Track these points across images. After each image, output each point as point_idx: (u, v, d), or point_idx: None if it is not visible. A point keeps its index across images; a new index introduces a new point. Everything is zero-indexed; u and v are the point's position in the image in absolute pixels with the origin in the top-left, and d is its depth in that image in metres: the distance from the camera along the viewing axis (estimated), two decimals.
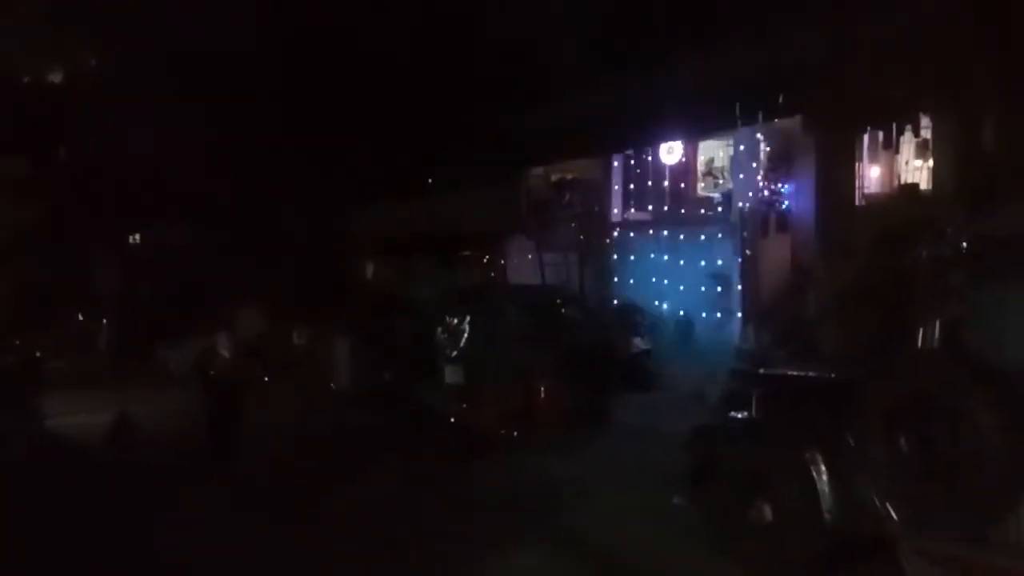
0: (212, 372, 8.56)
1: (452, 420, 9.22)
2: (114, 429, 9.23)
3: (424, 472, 8.15)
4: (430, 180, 18.36)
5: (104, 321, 19.62)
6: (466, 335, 9.71)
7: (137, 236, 22.19)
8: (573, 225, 16.13)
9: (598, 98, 13.95)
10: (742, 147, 14.01)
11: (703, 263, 14.56)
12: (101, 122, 18.01)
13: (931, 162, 12.02)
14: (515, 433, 9.10)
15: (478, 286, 14.50)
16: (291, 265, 17.74)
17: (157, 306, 18.01)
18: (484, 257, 17.13)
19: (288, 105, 17.58)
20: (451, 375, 9.49)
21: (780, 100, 11.32)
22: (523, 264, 15.98)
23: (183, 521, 6.65)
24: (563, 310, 11.99)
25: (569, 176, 16.90)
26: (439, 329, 10.01)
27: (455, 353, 9.66)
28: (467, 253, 17.19)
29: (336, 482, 7.79)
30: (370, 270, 18.98)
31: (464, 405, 9.20)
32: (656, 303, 14.96)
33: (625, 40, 13.48)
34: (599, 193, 16.69)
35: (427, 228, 16.20)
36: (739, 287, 13.71)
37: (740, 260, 13.71)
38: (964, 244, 4.04)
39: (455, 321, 9.90)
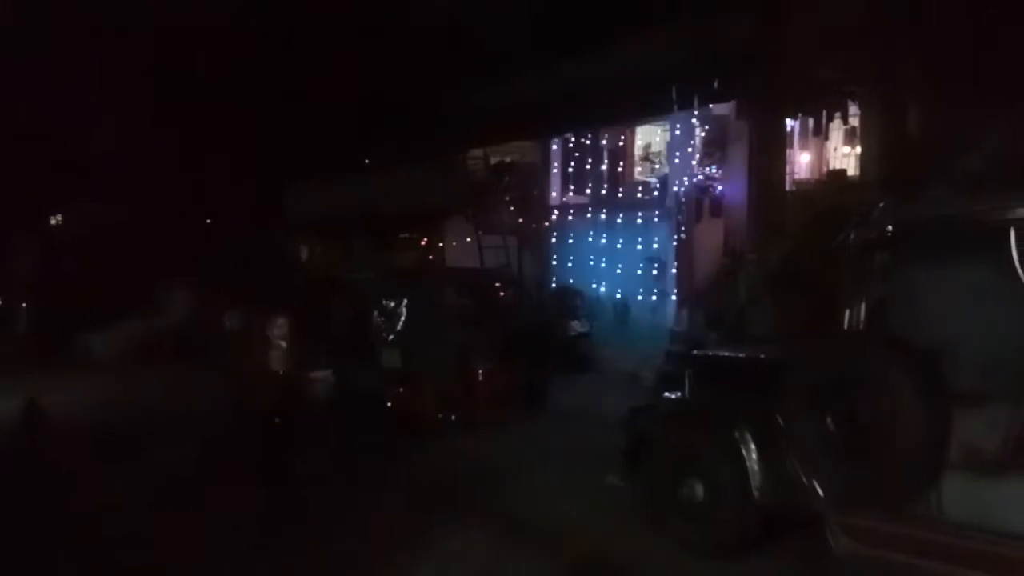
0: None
1: (389, 404, 9.12)
2: (23, 417, 8.77)
3: (359, 456, 8.04)
4: (367, 161, 18.05)
5: (24, 304, 18.77)
6: (403, 318, 9.60)
7: (59, 216, 21.25)
8: (512, 208, 16.13)
9: (536, 81, 13.93)
10: (678, 132, 14.22)
11: (640, 246, 14.76)
12: (10, 92, 17.04)
13: (858, 148, 12.41)
14: (452, 416, 9.07)
15: (416, 269, 14.36)
16: (222, 247, 17.24)
17: (80, 289, 17.27)
18: (422, 239, 17.00)
19: (220, 80, 17.00)
20: (388, 359, 9.38)
21: (715, 86, 11.48)
22: (462, 247, 15.92)
23: (87, 514, 6.39)
24: (501, 293, 11.98)
25: (508, 159, 16.89)
26: (375, 312, 9.88)
27: (392, 336, 9.55)
28: (405, 235, 17.02)
29: (268, 467, 7.61)
30: (305, 252, 18.61)
31: (401, 389, 9.10)
32: (593, 286, 15.12)
33: (563, 23, 13.45)
34: (538, 176, 16.74)
35: (365, 209, 15.97)
36: (674, 270, 13.95)
37: (675, 243, 13.94)
38: (888, 228, 4.15)
39: (392, 304, 9.78)
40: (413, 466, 7.78)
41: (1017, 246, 3.69)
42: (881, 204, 4.30)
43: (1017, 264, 3.68)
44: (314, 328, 11.24)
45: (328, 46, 16.54)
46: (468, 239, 15.69)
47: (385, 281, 11.19)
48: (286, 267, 17.19)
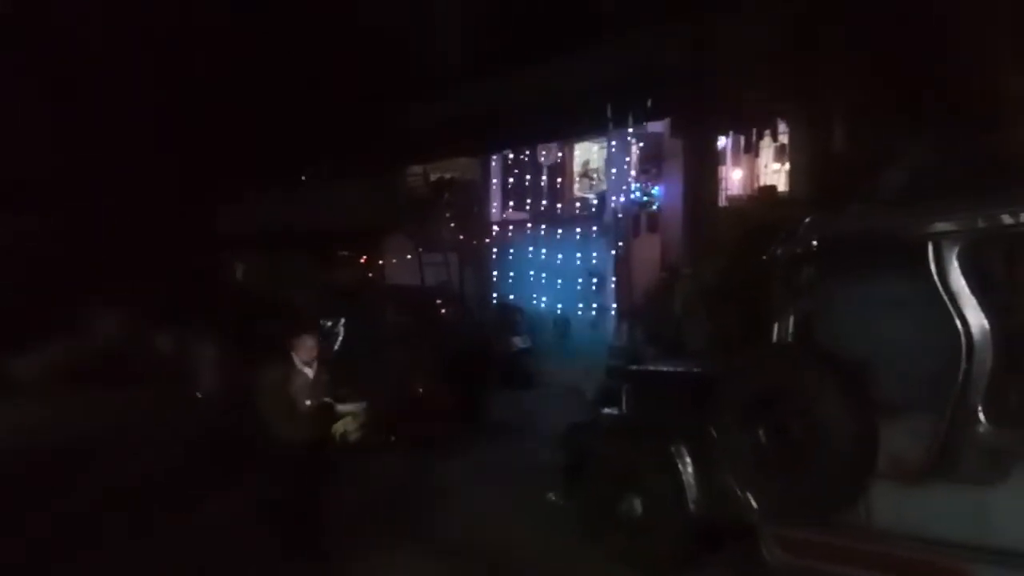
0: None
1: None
2: None
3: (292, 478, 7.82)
4: (304, 177, 17.78)
5: None
6: (340, 337, 9.43)
7: None
8: (452, 225, 16.08)
9: (473, 98, 13.96)
10: (615, 149, 14.40)
11: (579, 262, 14.86)
12: None
13: (788, 165, 12.76)
14: (392, 437, 8.92)
15: (353, 286, 14.17)
16: (152, 264, 16.69)
17: None
18: (361, 257, 16.78)
19: (151, 90, 16.54)
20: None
21: (648, 104, 11.68)
22: (402, 264, 15.78)
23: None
24: (442, 310, 11.91)
25: (448, 175, 16.83)
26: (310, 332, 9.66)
27: (329, 357, 9.36)
28: (344, 252, 16.78)
29: (200, 494, 7.36)
30: (240, 270, 18.17)
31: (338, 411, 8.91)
32: (534, 302, 15.14)
33: (500, 41, 13.55)
34: (478, 193, 16.74)
35: (301, 226, 15.70)
36: (613, 285, 14.09)
37: (613, 259, 14.08)
38: (812, 242, 4.25)
39: (328, 323, 9.60)
40: (347, 489, 7.59)
41: (935, 259, 3.82)
42: (806, 219, 4.40)
43: (936, 277, 3.80)
44: (248, 350, 10.99)
45: (265, 57, 16.30)
46: (408, 256, 15.57)
47: (322, 299, 11.00)
48: (219, 286, 16.74)
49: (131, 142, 16.67)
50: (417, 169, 16.76)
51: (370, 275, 16.14)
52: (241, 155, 16.71)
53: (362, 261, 16.70)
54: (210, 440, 9.35)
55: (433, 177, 16.73)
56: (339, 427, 5.77)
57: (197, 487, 7.50)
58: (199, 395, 11.83)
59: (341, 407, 5.86)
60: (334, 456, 5.96)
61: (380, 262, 16.45)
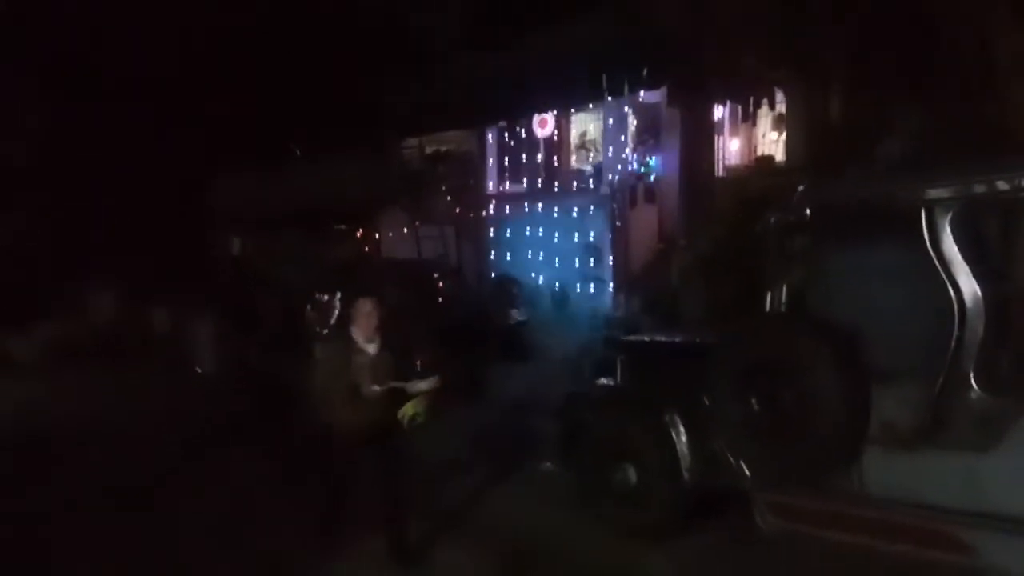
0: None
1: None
2: None
3: (295, 453, 7.88)
4: (299, 151, 17.67)
5: None
6: (337, 312, 9.45)
7: None
8: (448, 198, 16.02)
9: (469, 70, 13.84)
10: (612, 120, 14.31)
11: (577, 234, 14.82)
12: None
13: (785, 134, 12.70)
14: None
15: (350, 261, 14.15)
16: (150, 243, 16.65)
17: None
18: (358, 231, 16.74)
19: (146, 67, 16.38)
20: (322, 354, 9.21)
21: (644, 73, 11.59)
22: (399, 238, 15.75)
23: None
24: (439, 283, 11.91)
25: (444, 149, 16.74)
26: (308, 307, 9.69)
27: (326, 331, 9.39)
28: (341, 227, 16.74)
29: (202, 469, 7.41)
30: (236, 246, 18.14)
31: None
32: (532, 274, 15.13)
33: (494, 10, 13.40)
34: (474, 166, 16.64)
35: (297, 201, 15.64)
36: (610, 257, 14.08)
37: (611, 231, 14.05)
38: (806, 211, 4.24)
39: (325, 298, 9.61)
40: (347, 463, 7.63)
41: (928, 226, 3.81)
42: (800, 188, 4.39)
43: (928, 244, 3.80)
44: (246, 326, 11.02)
45: (259, 33, 16.13)
46: (404, 230, 15.53)
47: (318, 274, 10.99)
48: (216, 263, 16.73)
49: (126, 120, 16.56)
50: (413, 142, 16.66)
51: (367, 249, 16.12)
52: (236, 131, 16.61)
53: (358, 235, 16.67)
54: (209, 416, 9.44)
55: (429, 150, 16.65)
56: (407, 409, 4.84)
57: (195, 464, 7.56)
58: (198, 371, 11.89)
59: (409, 386, 4.93)
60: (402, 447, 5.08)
61: (376, 236, 16.42)
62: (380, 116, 15.56)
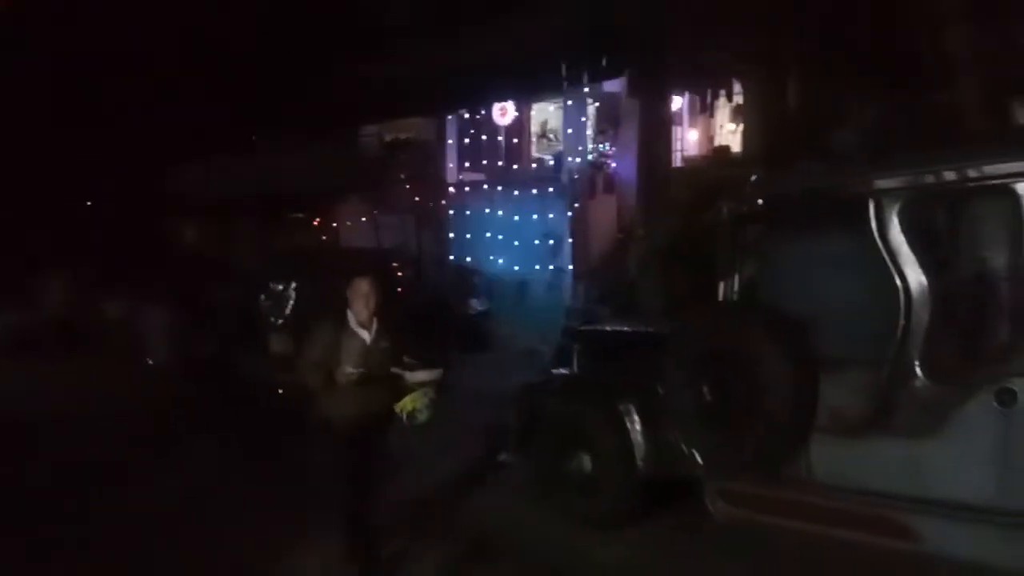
0: None
1: (280, 392, 8.83)
2: None
3: (249, 446, 7.76)
4: (256, 138, 17.36)
5: None
6: (292, 301, 9.30)
7: None
8: (408, 186, 15.88)
9: (428, 57, 13.70)
10: (572, 110, 14.31)
11: (536, 223, 14.82)
12: None
13: (742, 125, 12.83)
14: None
15: (306, 249, 13.96)
16: (101, 230, 16.23)
17: None
18: (315, 219, 16.53)
19: (93, 54, 15.91)
20: (277, 344, 9.07)
21: (603, 63, 11.60)
22: (357, 226, 15.58)
23: None
24: (399, 273, 11.80)
25: (403, 137, 16.59)
26: (262, 296, 9.53)
27: (281, 321, 9.24)
28: (297, 215, 16.50)
29: (153, 460, 7.25)
30: (191, 234, 17.79)
31: (292, 375, 8.81)
32: (492, 263, 15.10)
33: None
34: (434, 154, 16.52)
35: (253, 189, 15.37)
36: (570, 247, 14.11)
37: (570, 220, 14.08)
38: (758, 201, 4.26)
39: (280, 287, 9.45)
40: (304, 455, 7.54)
41: (876, 216, 3.85)
42: (752, 178, 4.40)
43: (876, 234, 3.84)
44: (199, 315, 10.81)
45: (214, 18, 15.76)
46: (363, 218, 15.37)
47: (274, 263, 10.81)
48: (170, 251, 16.38)
49: (77, 107, 16.10)
50: (371, 130, 16.47)
51: (324, 238, 15.92)
52: (190, 117, 16.24)
53: (315, 224, 16.46)
54: (160, 407, 9.25)
55: (388, 138, 16.48)
56: (406, 403, 4.30)
57: (146, 455, 7.39)
58: (150, 362, 11.65)
59: (410, 375, 4.38)
60: (392, 444, 4.62)
61: (334, 225, 16.22)
62: (337, 103, 15.34)
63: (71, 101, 15.96)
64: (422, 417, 4.38)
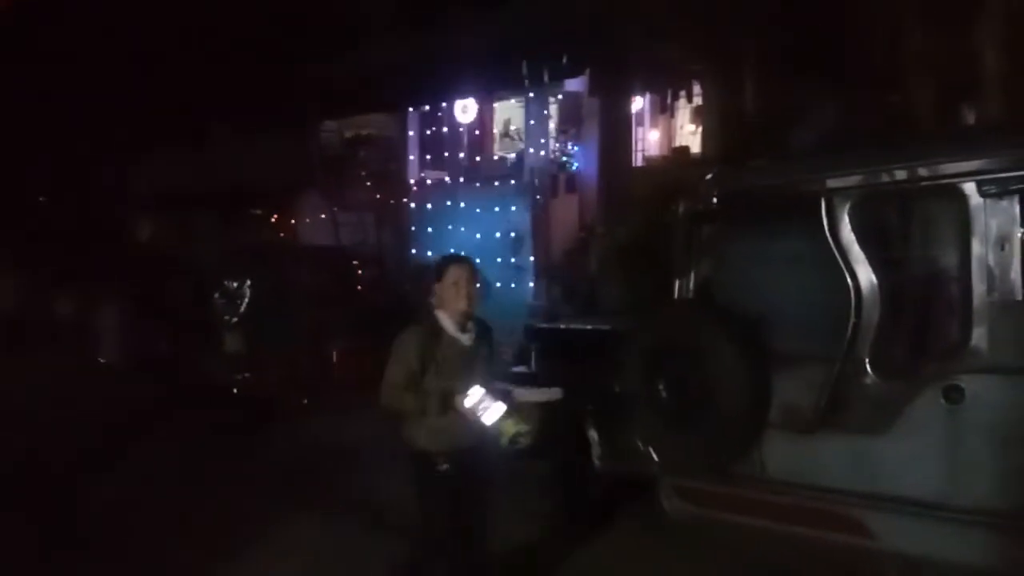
0: None
1: (235, 391, 8.69)
2: None
3: (203, 447, 7.61)
4: (212, 132, 17.02)
5: None
6: (247, 299, 9.14)
7: None
8: (369, 183, 15.74)
9: (388, 53, 13.59)
10: (534, 108, 14.30)
11: (498, 221, 14.79)
12: None
13: (702, 126, 12.94)
14: (305, 401, 8.76)
15: (262, 246, 13.74)
16: (50, 226, 15.80)
17: None
18: (273, 216, 16.28)
19: (45, 42, 15.46)
20: (231, 343, 8.92)
21: (564, 61, 11.62)
22: (316, 223, 15.39)
23: None
24: (358, 271, 11.69)
25: (364, 133, 16.43)
26: (216, 294, 9.35)
27: (235, 319, 9.08)
28: (255, 211, 16.24)
29: (105, 462, 7.07)
30: (145, 230, 17.40)
31: (247, 374, 8.68)
32: None
33: None
34: (395, 151, 16.40)
35: (209, 184, 15.08)
36: (532, 245, 14.11)
37: (533, 219, 14.07)
38: (713, 199, 4.28)
39: (235, 284, 9.29)
40: (257, 456, 7.43)
41: (828, 215, 3.88)
42: (707, 176, 4.42)
43: (827, 233, 3.87)
44: (152, 313, 10.58)
45: (170, 9, 15.41)
46: (323, 215, 15.18)
47: (229, 260, 10.61)
48: (122, 247, 16.00)
49: (26, 98, 15.62)
50: (331, 126, 16.28)
51: (282, 235, 15.69)
52: (145, 110, 15.88)
53: (273, 220, 16.21)
54: (112, 406, 9.03)
55: (348, 134, 16.31)
56: (508, 427, 3.40)
57: (96, 454, 7.20)
58: (102, 361, 11.38)
59: (524, 394, 3.64)
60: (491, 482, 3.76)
61: (293, 221, 16.00)
62: (296, 98, 15.12)
63: (18, 91, 15.48)
64: (525, 442, 3.52)
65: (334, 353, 9.39)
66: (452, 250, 14.81)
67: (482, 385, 3.36)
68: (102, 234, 15.93)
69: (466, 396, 3.33)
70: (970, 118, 8.11)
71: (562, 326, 6.18)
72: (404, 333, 3.55)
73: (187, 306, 9.86)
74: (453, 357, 3.48)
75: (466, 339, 3.53)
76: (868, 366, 3.77)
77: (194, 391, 9.03)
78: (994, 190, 3.42)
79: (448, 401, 3.37)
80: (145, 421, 8.53)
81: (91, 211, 16.29)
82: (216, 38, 15.23)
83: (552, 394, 4.01)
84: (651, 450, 4.43)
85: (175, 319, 9.85)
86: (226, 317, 9.16)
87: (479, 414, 3.32)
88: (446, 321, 3.52)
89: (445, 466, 3.51)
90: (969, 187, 3.50)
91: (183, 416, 8.56)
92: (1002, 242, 3.39)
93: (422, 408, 3.44)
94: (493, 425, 3.35)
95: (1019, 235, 3.37)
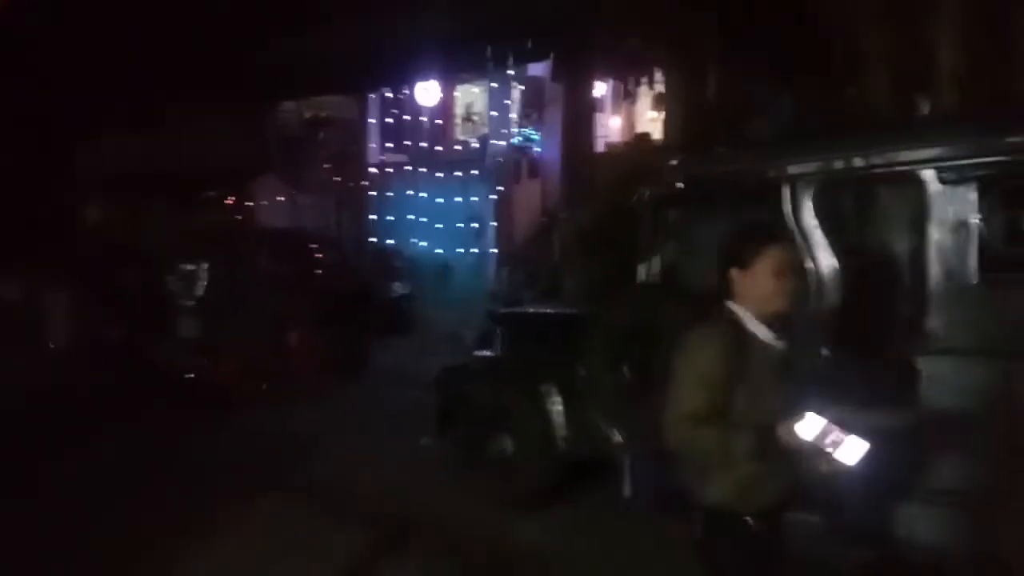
0: None
1: (190, 377, 8.51)
2: None
3: (157, 435, 7.45)
4: (165, 111, 16.58)
5: None
6: (204, 283, 8.95)
7: None
8: (328, 166, 15.53)
9: (346, 32, 13.38)
10: (497, 93, 14.25)
11: (460, 206, 14.74)
12: None
13: (664, 113, 13.03)
14: (264, 386, 8.63)
15: (218, 229, 13.49)
16: None
17: None
18: (230, 198, 15.98)
19: None
20: (186, 328, 8.73)
21: (528, 45, 11.58)
22: (274, 206, 15.15)
23: None
24: (317, 254, 11.54)
25: (324, 114, 16.19)
26: (171, 277, 9.14)
27: (191, 303, 8.89)
28: (212, 193, 15.91)
29: (55, 451, 6.87)
30: (96, 211, 16.93)
31: (204, 360, 8.51)
32: (415, 246, 14.94)
33: None
34: (355, 133, 16.20)
35: (164, 165, 14.72)
36: (494, 230, 14.10)
37: (494, 203, 14.06)
38: (676, 184, 4.30)
39: (191, 268, 9.09)
40: (213, 444, 7.29)
41: (790, 201, 3.93)
42: (672, 162, 4.44)
43: (789, 218, 3.92)
44: (104, 297, 10.31)
45: None
46: (280, 198, 14.96)
47: (184, 243, 10.38)
48: (72, 230, 15.55)
49: None
50: (290, 106, 16.01)
51: (238, 217, 15.41)
52: (95, 88, 15.37)
53: (229, 203, 15.91)
54: (63, 393, 8.79)
55: (307, 115, 16.06)
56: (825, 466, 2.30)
57: (43, 444, 7.00)
58: (51, 346, 11.07)
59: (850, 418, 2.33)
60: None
61: (250, 204, 15.72)
62: (255, 77, 14.80)
63: None
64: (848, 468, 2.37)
65: (293, 338, 9.26)
66: (413, 234, 14.88)
67: (814, 410, 2.27)
68: (51, 215, 15.45)
69: (800, 427, 2.25)
70: (925, 109, 8.29)
71: (527, 310, 6.18)
72: (697, 338, 2.49)
73: (140, 290, 9.63)
74: (766, 372, 2.41)
75: (780, 345, 2.47)
76: (826, 349, 3.83)
77: (148, 377, 8.84)
78: (952, 177, 3.49)
79: (770, 437, 2.29)
80: (96, 408, 8.32)
81: (40, 191, 15.76)
82: (169, 15, 14.80)
83: (903, 416, 3.03)
84: (613, 432, 4.46)
85: (128, 303, 9.61)
86: (181, 301, 8.96)
87: (825, 453, 2.24)
88: (752, 321, 2.44)
89: (755, 527, 2.42)
90: (927, 174, 3.57)
91: (136, 403, 8.36)
92: (959, 228, 3.47)
93: (730, 449, 2.34)
94: (839, 465, 2.25)
95: (975, 221, 3.45)
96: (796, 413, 2.26)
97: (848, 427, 2.25)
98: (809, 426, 2.26)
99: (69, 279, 11.10)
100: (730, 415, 2.38)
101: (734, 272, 2.51)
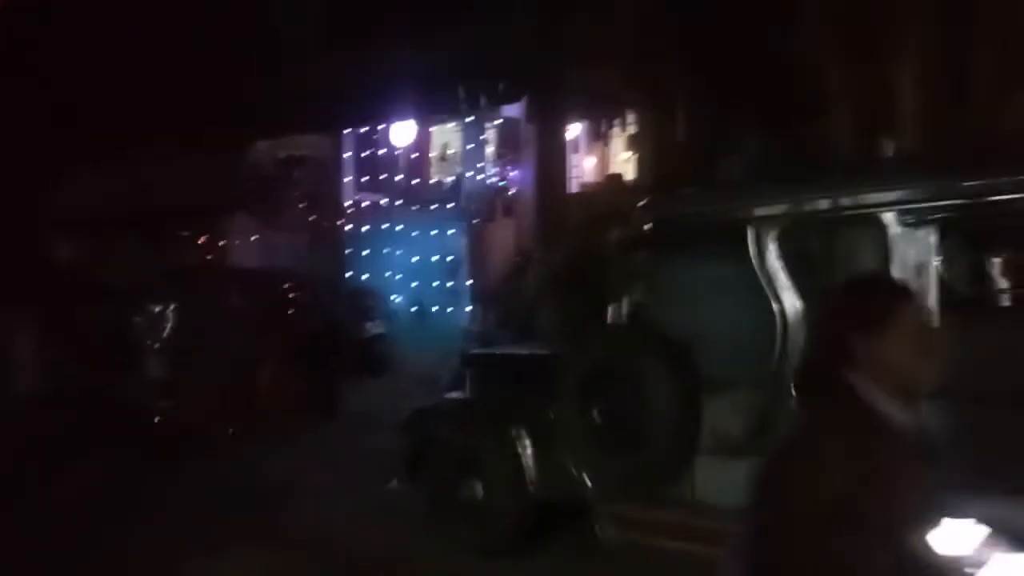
0: None
1: (157, 420, 8.33)
2: None
3: (124, 480, 7.26)
4: (138, 149, 16.48)
5: None
6: (172, 323, 8.82)
7: None
8: (302, 205, 15.49)
9: (322, 72, 13.47)
10: (472, 133, 14.39)
11: (435, 246, 14.75)
12: None
13: (636, 153, 13.21)
14: (231, 430, 8.46)
15: (188, 268, 13.34)
16: None
17: None
18: (201, 237, 15.83)
19: None
20: (154, 368, 8.58)
21: (500, 88, 11.72)
22: (248, 245, 15.04)
23: None
24: (291, 294, 11.45)
25: (298, 153, 16.18)
26: (138, 318, 9.00)
27: (158, 344, 8.75)
28: (184, 232, 15.76)
29: (18, 496, 6.67)
30: (63, 251, 16.68)
31: (170, 402, 8.35)
32: (389, 286, 14.88)
33: (350, 16, 13.11)
34: (330, 173, 16.21)
35: (133, 203, 14.58)
36: (469, 270, 14.11)
37: (469, 243, 14.09)
38: (645, 225, 4.33)
39: (159, 308, 8.96)
40: (181, 489, 7.12)
41: (754, 242, 3.97)
42: (640, 203, 4.48)
43: (754, 259, 3.95)
44: (70, 338, 10.11)
45: (97, 24, 14.92)
46: (254, 237, 14.86)
47: (153, 282, 10.25)
48: (38, 268, 15.30)
49: None
50: (264, 145, 15.98)
51: (209, 257, 15.26)
52: (66, 124, 15.27)
53: (201, 242, 15.76)
54: (27, 436, 8.56)
55: (282, 154, 16.04)
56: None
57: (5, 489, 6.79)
58: (19, 387, 10.81)
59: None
60: None
61: (222, 243, 15.58)
62: (228, 115, 14.79)
63: None
64: None
65: (263, 379, 9.14)
66: (387, 274, 14.85)
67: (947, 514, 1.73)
68: (16, 253, 15.20)
69: (940, 537, 1.72)
70: (889, 150, 8.46)
71: (497, 352, 6.14)
72: (816, 445, 1.76)
73: (107, 331, 9.46)
74: (903, 471, 1.77)
75: (915, 427, 1.87)
76: (794, 390, 3.84)
77: (114, 420, 8.63)
78: (911, 220, 3.54)
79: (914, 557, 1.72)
80: (61, 453, 8.11)
81: (6, 232, 15.52)
82: (141, 52, 14.80)
83: None
84: (585, 476, 4.42)
85: (94, 344, 9.43)
86: (148, 342, 8.81)
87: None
88: (883, 400, 1.80)
89: None
90: (888, 217, 3.62)
91: (102, 447, 8.16)
92: (919, 269, 3.51)
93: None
94: None
95: (934, 263, 3.50)
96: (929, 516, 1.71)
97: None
98: (954, 535, 1.68)
99: (35, 319, 10.90)
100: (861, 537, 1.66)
101: (857, 338, 1.80)
